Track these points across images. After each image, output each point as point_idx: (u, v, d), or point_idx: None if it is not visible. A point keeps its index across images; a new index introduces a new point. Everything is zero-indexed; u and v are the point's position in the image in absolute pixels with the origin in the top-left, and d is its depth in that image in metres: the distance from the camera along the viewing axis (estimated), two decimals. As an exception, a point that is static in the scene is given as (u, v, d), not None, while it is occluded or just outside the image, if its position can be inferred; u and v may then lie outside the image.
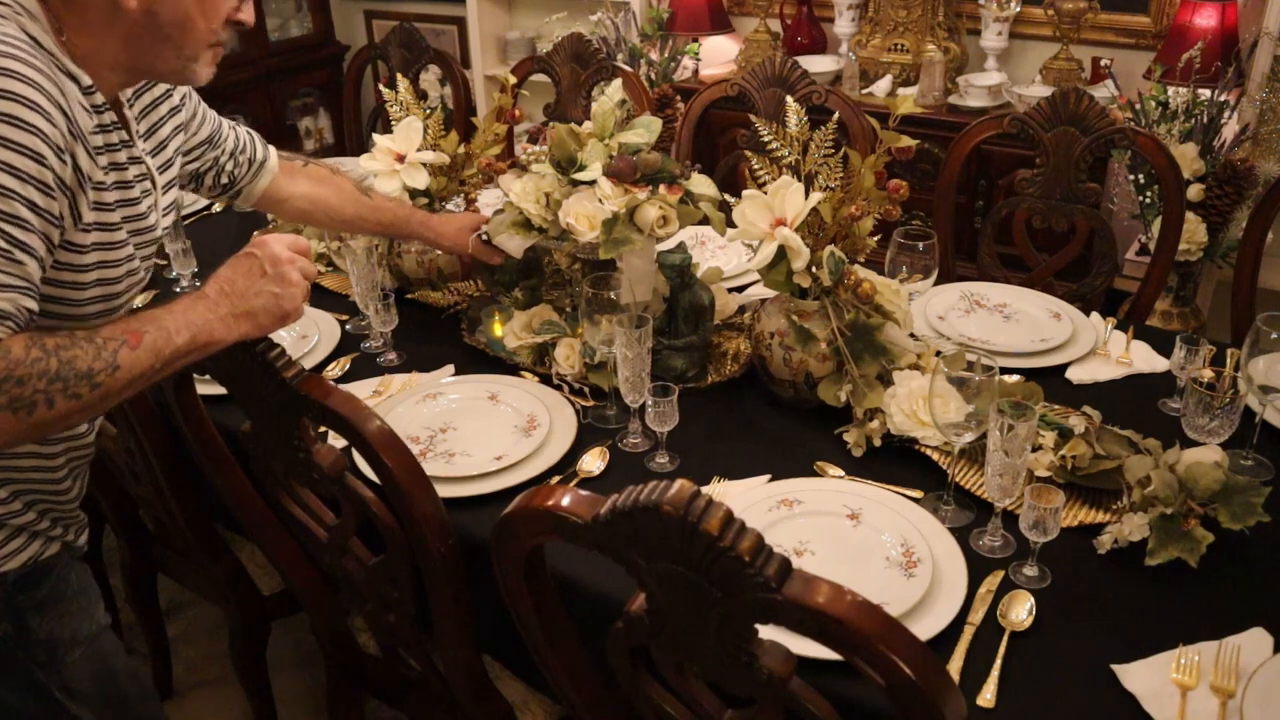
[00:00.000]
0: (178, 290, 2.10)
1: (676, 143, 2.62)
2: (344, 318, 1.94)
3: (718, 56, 3.76)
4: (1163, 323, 2.83)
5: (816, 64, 3.41)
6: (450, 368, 1.76)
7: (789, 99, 1.57)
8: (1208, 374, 1.36)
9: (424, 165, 1.89)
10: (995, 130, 2.13)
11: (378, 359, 1.80)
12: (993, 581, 1.23)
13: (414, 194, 1.93)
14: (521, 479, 1.44)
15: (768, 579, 0.78)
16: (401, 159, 1.89)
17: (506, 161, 1.81)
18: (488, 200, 2.30)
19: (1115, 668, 1.10)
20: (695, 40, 3.64)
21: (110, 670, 1.32)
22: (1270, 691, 1.04)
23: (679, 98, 3.29)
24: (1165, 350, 1.69)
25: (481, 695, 1.42)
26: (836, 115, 1.57)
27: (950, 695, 0.79)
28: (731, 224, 1.55)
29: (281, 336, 1.86)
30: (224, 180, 1.60)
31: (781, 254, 1.48)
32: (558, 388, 1.66)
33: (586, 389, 1.65)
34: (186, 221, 2.43)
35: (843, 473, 1.44)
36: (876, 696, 0.88)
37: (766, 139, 1.54)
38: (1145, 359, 1.70)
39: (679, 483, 0.81)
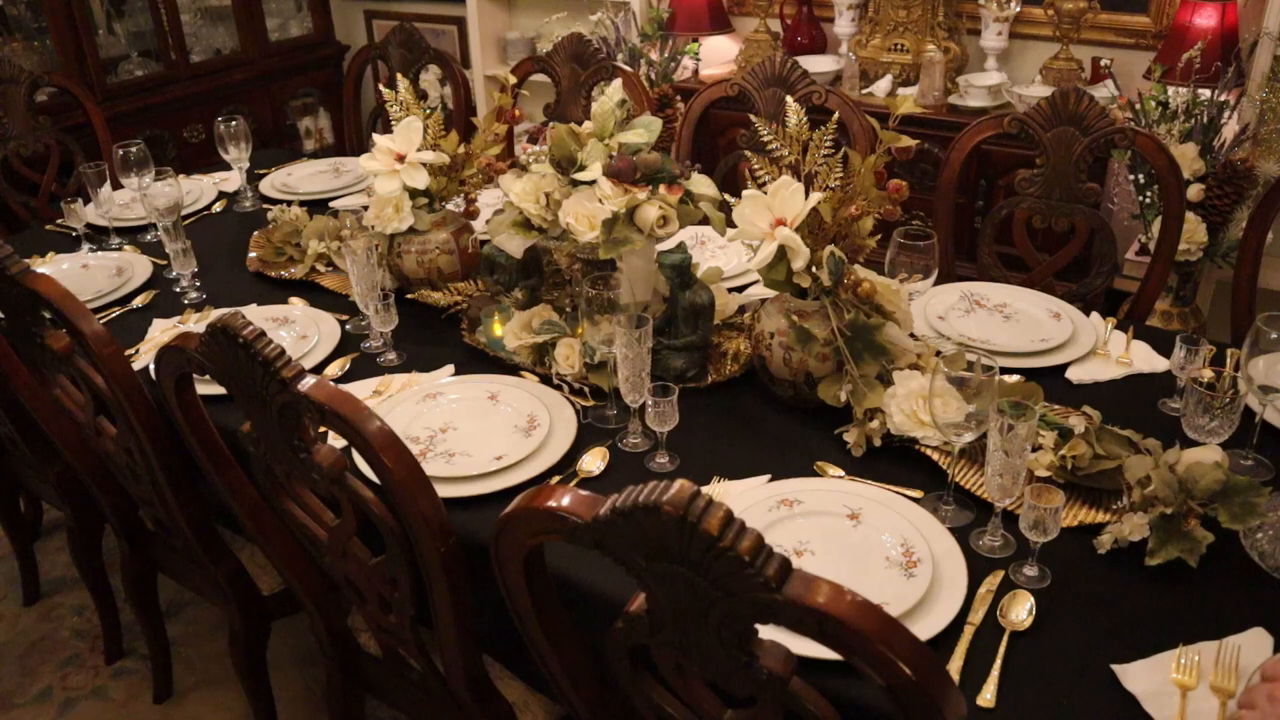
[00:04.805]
0: (177, 290, 2.10)
1: (676, 143, 2.62)
2: (344, 318, 1.94)
3: (718, 56, 3.76)
4: (1163, 323, 2.83)
5: (816, 64, 3.41)
6: (450, 368, 1.76)
7: (789, 99, 1.57)
8: (1208, 374, 1.36)
9: (424, 165, 1.89)
10: (995, 130, 2.13)
11: (378, 359, 1.80)
12: (993, 581, 1.23)
13: (414, 194, 1.93)
14: (521, 479, 1.45)
15: (768, 579, 0.78)
16: (401, 159, 1.89)
17: (506, 161, 1.81)
18: (488, 200, 2.31)
19: (1115, 668, 1.10)
20: (695, 40, 3.64)
21: None
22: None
23: (679, 98, 3.29)
24: (1165, 350, 1.69)
25: (481, 695, 1.42)
26: (836, 115, 1.57)
27: (950, 695, 0.79)
28: (731, 224, 1.55)
29: (281, 336, 1.86)
30: None
31: (781, 254, 1.48)
32: (558, 388, 1.66)
33: (586, 389, 1.65)
34: (186, 222, 2.43)
35: (843, 473, 1.44)
36: (876, 696, 0.88)
37: (766, 139, 1.54)
38: (1145, 359, 1.70)
39: (679, 483, 0.80)
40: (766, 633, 0.87)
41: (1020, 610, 1.18)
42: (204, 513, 1.71)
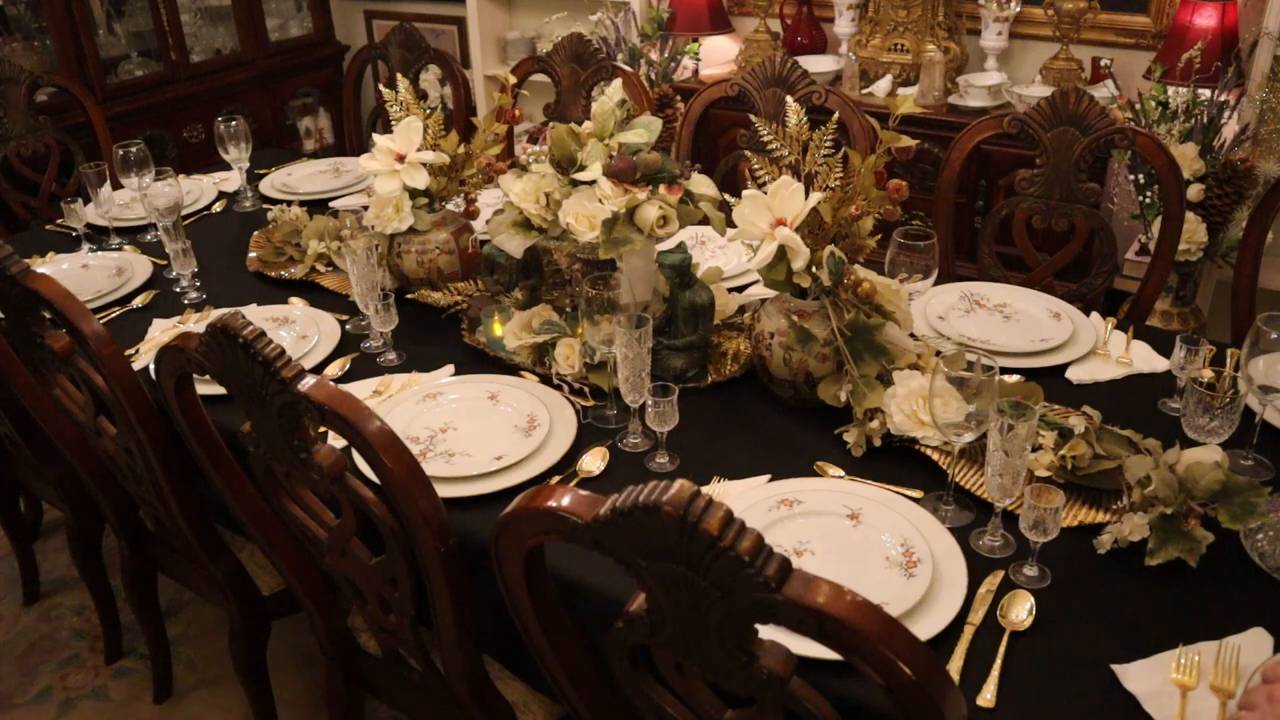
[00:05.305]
0: (177, 290, 2.10)
1: (676, 143, 2.62)
2: (344, 318, 1.94)
3: (718, 56, 3.76)
4: (1163, 323, 2.83)
5: (816, 64, 3.41)
6: (450, 368, 1.76)
7: (789, 99, 1.57)
8: (1208, 374, 1.36)
9: (424, 165, 1.89)
10: (995, 130, 2.13)
11: (378, 359, 1.80)
12: (993, 581, 1.23)
13: (414, 194, 1.93)
14: (521, 479, 1.45)
15: (767, 579, 0.78)
16: (401, 159, 1.89)
17: (506, 161, 1.81)
18: (488, 200, 2.31)
19: (1115, 668, 1.10)
20: (695, 40, 3.64)
21: None
22: (1270, 691, 1.04)
23: (679, 98, 3.29)
24: (1165, 350, 1.69)
25: (481, 695, 1.42)
26: (836, 115, 1.57)
27: (950, 695, 0.79)
28: (731, 224, 1.55)
29: (281, 336, 1.86)
30: None
31: (781, 254, 1.48)
32: (558, 388, 1.66)
33: (586, 389, 1.65)
34: (186, 222, 2.43)
35: (843, 473, 1.44)
36: (876, 696, 0.88)
37: (766, 139, 1.54)
38: (1145, 359, 1.70)
39: (679, 483, 0.80)
40: (766, 633, 0.87)
41: (1020, 610, 1.18)
42: (204, 513, 1.71)
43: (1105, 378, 1.65)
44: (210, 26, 4.22)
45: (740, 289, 1.97)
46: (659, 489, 0.81)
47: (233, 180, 2.66)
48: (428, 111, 1.95)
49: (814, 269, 1.51)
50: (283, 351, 1.17)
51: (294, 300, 2.03)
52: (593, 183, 1.61)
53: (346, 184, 2.64)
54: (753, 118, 1.67)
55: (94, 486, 1.89)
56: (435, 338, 1.87)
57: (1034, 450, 1.37)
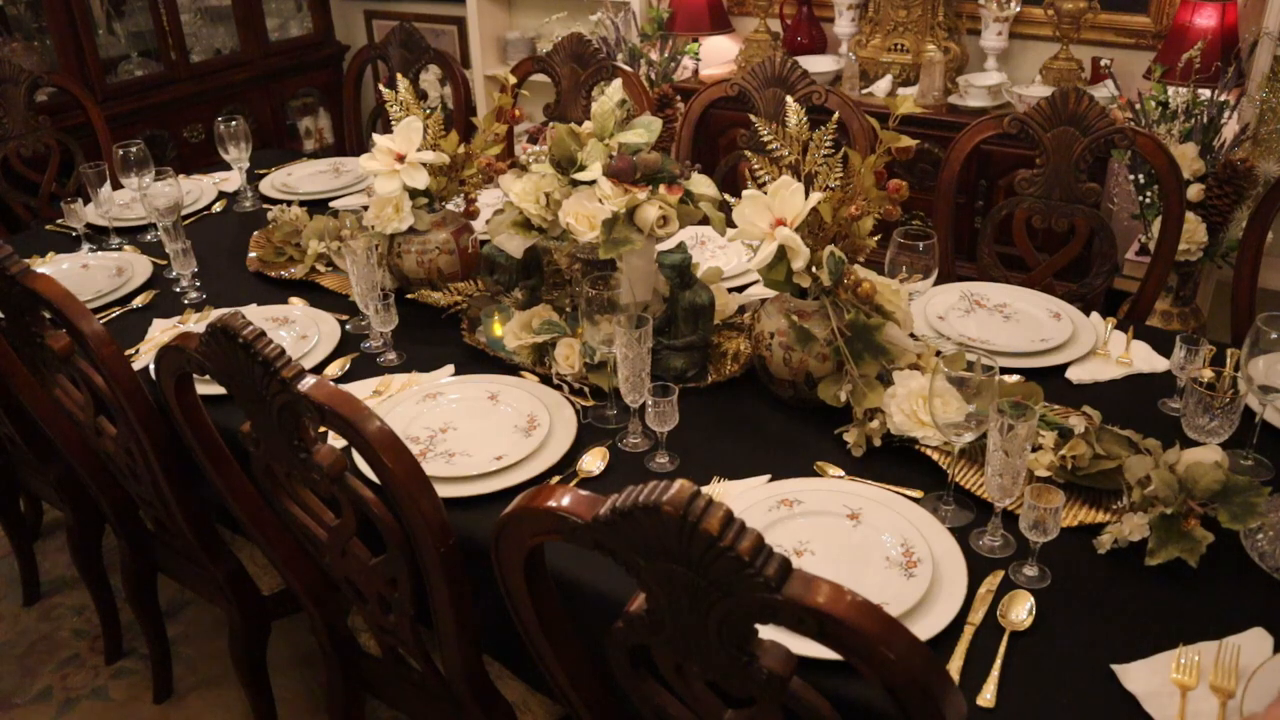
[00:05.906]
0: (177, 290, 2.10)
1: (676, 143, 2.62)
2: (344, 318, 1.94)
3: (718, 56, 3.76)
4: (1163, 323, 2.83)
5: (816, 64, 3.41)
6: (450, 368, 1.76)
7: (789, 99, 1.57)
8: (1208, 374, 1.36)
9: (424, 165, 1.89)
10: (995, 130, 2.13)
11: (378, 359, 1.80)
12: (993, 581, 1.23)
13: (414, 194, 1.93)
14: (521, 479, 1.45)
15: (767, 579, 0.78)
16: (401, 159, 1.89)
17: (506, 161, 1.81)
18: (488, 200, 2.31)
19: (1115, 668, 1.10)
20: (695, 40, 3.64)
21: None
22: (1270, 691, 1.04)
23: (679, 98, 3.29)
24: (1165, 350, 1.69)
25: (481, 695, 1.42)
26: (836, 115, 1.57)
27: (950, 695, 0.79)
28: (731, 224, 1.55)
29: (281, 336, 1.86)
30: None
31: (781, 254, 1.48)
32: (558, 388, 1.66)
33: (586, 389, 1.65)
34: (186, 222, 2.43)
35: (843, 473, 1.44)
36: (876, 696, 0.88)
37: (766, 139, 1.54)
38: (1145, 359, 1.70)
39: (679, 483, 0.80)
40: (766, 633, 0.87)
41: (1020, 610, 1.18)
42: (204, 513, 1.71)
43: (1105, 378, 1.65)
44: (210, 26, 4.22)
45: (740, 289, 1.97)
46: (659, 489, 0.81)
47: (233, 180, 2.66)
48: (428, 111, 1.95)
49: (814, 269, 1.51)
50: (283, 351, 1.17)
51: (294, 300, 2.03)
52: (593, 183, 1.61)
53: (346, 184, 2.64)
54: (753, 118, 1.67)
55: (94, 486, 1.89)
56: (435, 338, 1.87)
57: (1034, 450, 1.37)
